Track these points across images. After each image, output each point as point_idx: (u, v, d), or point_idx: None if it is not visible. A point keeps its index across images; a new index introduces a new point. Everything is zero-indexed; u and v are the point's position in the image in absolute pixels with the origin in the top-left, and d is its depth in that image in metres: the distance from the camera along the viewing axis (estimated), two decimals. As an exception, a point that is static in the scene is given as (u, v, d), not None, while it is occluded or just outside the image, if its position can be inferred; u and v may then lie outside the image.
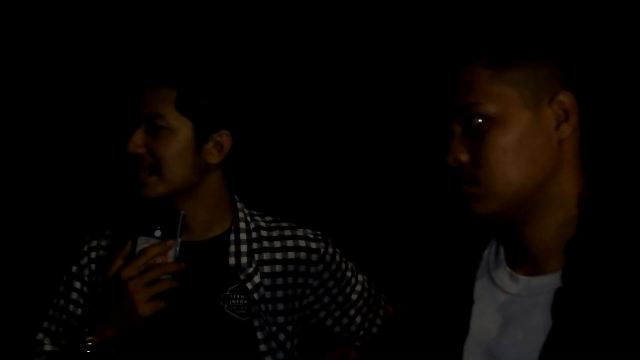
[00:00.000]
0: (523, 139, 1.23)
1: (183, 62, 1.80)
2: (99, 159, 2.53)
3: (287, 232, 1.82)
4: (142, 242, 1.65)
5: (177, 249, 1.65)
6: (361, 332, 1.89)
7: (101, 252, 1.82)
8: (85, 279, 1.81)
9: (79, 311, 1.80)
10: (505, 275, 1.30)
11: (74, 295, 1.81)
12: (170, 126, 1.70)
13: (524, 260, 1.29)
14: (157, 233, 1.66)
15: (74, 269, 1.82)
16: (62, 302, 1.82)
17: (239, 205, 1.84)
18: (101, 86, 2.58)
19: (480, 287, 1.32)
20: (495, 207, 1.25)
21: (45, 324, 1.82)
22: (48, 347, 1.79)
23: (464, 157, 1.26)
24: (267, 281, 1.76)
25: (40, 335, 1.81)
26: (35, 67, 2.65)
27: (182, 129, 1.71)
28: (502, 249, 1.34)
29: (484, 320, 1.29)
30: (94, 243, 1.84)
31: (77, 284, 1.81)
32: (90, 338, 1.61)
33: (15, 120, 2.69)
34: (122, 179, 1.79)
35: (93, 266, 1.81)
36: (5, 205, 2.67)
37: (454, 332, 1.30)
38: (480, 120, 1.24)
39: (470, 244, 1.38)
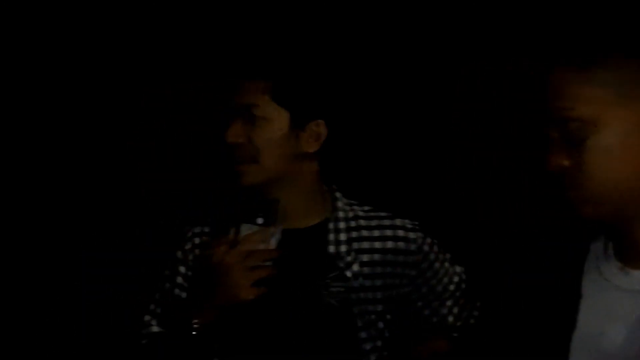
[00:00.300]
0: (624, 139, 1.22)
1: (279, 54, 1.84)
2: (197, 149, 2.57)
3: (386, 222, 1.84)
4: (245, 229, 1.69)
5: (279, 236, 1.69)
6: (458, 323, 1.90)
7: (204, 238, 1.87)
8: (190, 263, 1.86)
9: (184, 294, 1.85)
10: (616, 270, 1.29)
11: (179, 279, 1.87)
12: (267, 116, 1.74)
13: (634, 255, 1.27)
14: (259, 220, 1.70)
15: (179, 254, 1.88)
16: (167, 285, 1.88)
17: (337, 195, 1.86)
18: (199, 79, 2.62)
19: (589, 282, 1.31)
20: (603, 210, 1.24)
21: (152, 306, 1.88)
22: (155, 329, 1.86)
23: (565, 162, 1.25)
24: (366, 270, 1.78)
25: (147, 317, 1.88)
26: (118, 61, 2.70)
27: (278, 119, 1.75)
28: (610, 243, 1.32)
29: (592, 315, 1.28)
30: (198, 229, 1.89)
31: (182, 269, 1.87)
32: (195, 321, 1.67)
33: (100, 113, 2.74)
34: (221, 167, 1.83)
35: (197, 251, 1.86)
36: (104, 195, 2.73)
37: (560, 327, 1.29)
38: (577, 124, 1.22)
39: (577, 237, 1.36)
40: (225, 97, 1.80)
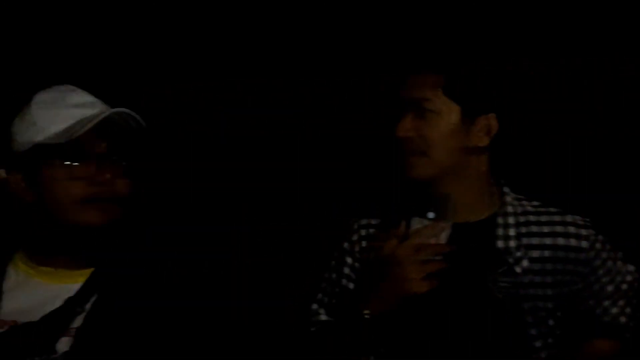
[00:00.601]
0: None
1: (449, 48, 1.84)
2: (366, 143, 2.58)
3: (556, 218, 1.81)
4: (416, 223, 1.70)
5: (450, 230, 1.69)
6: (631, 324, 1.84)
7: (371, 230, 1.90)
8: (356, 255, 1.89)
9: (351, 285, 1.89)
10: None
11: (346, 270, 1.90)
12: (438, 110, 1.75)
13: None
14: (430, 215, 1.70)
15: (346, 245, 1.92)
16: (334, 275, 1.92)
17: (506, 189, 1.85)
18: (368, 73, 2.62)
19: None
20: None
21: (319, 296, 1.93)
22: (323, 317, 1.91)
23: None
24: (536, 266, 1.76)
25: (315, 306, 1.93)
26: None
27: (449, 113, 1.75)
28: None
29: None
30: (364, 221, 1.92)
31: (349, 260, 1.90)
32: (366, 311, 1.69)
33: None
34: (391, 161, 1.85)
35: (363, 243, 1.89)
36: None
37: None
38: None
39: None
40: (396, 92, 1.82)
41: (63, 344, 1.51)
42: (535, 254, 1.77)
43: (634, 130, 2.44)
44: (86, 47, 2.69)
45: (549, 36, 2.39)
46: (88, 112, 1.58)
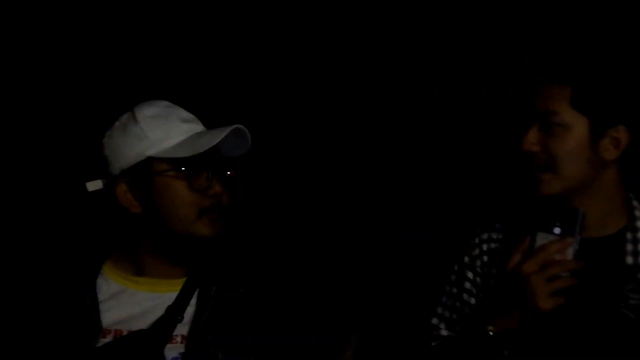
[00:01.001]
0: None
1: (576, 59, 1.80)
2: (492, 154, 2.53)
3: None
4: (541, 238, 1.67)
5: (576, 246, 1.65)
6: None
7: (492, 244, 1.87)
8: (478, 269, 1.87)
9: (472, 300, 1.87)
10: None
11: (467, 285, 1.88)
12: (565, 123, 1.71)
13: None
14: (556, 230, 1.67)
15: (466, 259, 1.90)
16: (454, 290, 1.91)
17: (635, 203, 1.79)
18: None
19: None
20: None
21: (440, 310, 1.92)
22: (444, 332, 1.89)
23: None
24: None
25: (435, 320, 1.91)
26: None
27: (577, 126, 1.71)
28: None
29: None
30: (485, 236, 1.89)
31: (470, 274, 1.88)
32: (490, 327, 1.67)
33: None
34: (517, 175, 1.82)
35: (485, 258, 1.87)
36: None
37: None
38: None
39: None
40: (524, 104, 1.79)
41: (168, 351, 1.58)
42: None
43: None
44: (86, 47, 2.71)
45: (549, 37, 2.30)
46: (196, 127, 1.65)
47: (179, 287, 1.64)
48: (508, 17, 2.40)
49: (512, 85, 2.27)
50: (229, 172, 1.64)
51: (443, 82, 2.58)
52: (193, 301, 1.63)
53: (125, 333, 1.59)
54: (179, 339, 1.59)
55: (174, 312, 1.60)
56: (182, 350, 1.57)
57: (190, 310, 1.62)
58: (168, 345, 1.57)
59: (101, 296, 1.63)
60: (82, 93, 2.73)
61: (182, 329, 1.59)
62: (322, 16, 2.63)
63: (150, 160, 1.61)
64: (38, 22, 2.70)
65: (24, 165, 2.72)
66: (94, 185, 1.67)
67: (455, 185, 2.57)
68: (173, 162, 1.60)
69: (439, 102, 2.59)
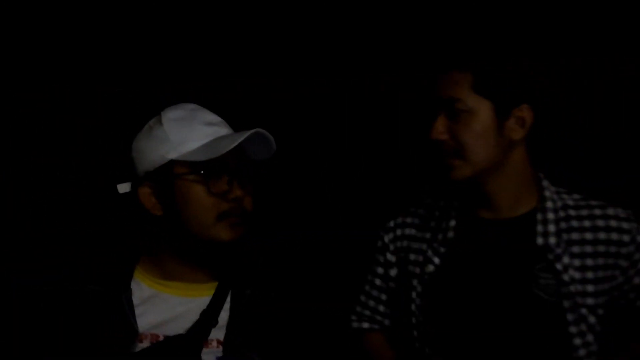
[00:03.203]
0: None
1: (473, 44, 1.80)
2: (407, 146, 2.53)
3: (597, 212, 1.76)
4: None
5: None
6: None
7: (407, 230, 1.88)
8: (390, 255, 1.89)
9: (387, 284, 1.89)
10: None
11: (380, 270, 1.91)
12: (470, 109, 1.71)
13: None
14: None
15: (379, 244, 1.91)
16: (369, 277, 1.93)
17: (545, 183, 1.81)
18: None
19: None
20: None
21: (362, 298, 1.95)
22: (365, 325, 1.93)
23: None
24: (576, 262, 1.72)
25: (358, 308, 1.94)
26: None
27: (482, 110, 1.71)
28: None
29: None
30: (400, 220, 1.90)
31: (381, 258, 1.90)
32: None
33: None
34: (428, 163, 1.82)
35: (398, 243, 1.88)
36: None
37: None
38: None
39: None
40: (425, 93, 1.79)
41: (204, 356, 1.58)
42: (576, 249, 1.73)
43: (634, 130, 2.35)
44: (86, 47, 2.67)
45: (549, 36, 2.32)
46: (220, 130, 1.63)
47: (210, 292, 1.64)
48: (507, 16, 2.39)
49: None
50: (246, 176, 1.62)
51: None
52: (226, 305, 1.63)
53: (161, 338, 1.58)
54: (214, 343, 1.58)
55: (208, 317, 1.60)
56: (219, 354, 1.57)
57: (224, 315, 1.62)
58: (204, 350, 1.57)
59: (135, 300, 1.62)
60: (81, 93, 2.70)
61: (217, 334, 1.59)
62: (322, 16, 2.62)
63: (172, 164, 1.59)
64: (38, 22, 2.67)
65: (44, 167, 2.66)
66: (123, 188, 1.65)
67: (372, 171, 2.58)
68: (192, 166, 1.58)
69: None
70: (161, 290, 1.64)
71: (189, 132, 1.61)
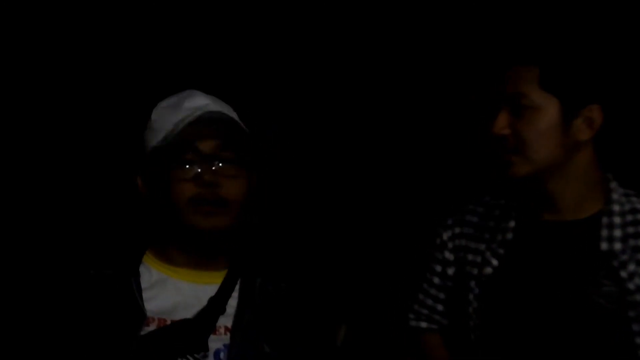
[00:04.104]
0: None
1: (543, 39, 1.72)
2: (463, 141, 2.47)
3: None
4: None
5: None
6: None
7: (465, 228, 1.82)
8: (449, 253, 1.83)
9: (445, 283, 1.84)
10: None
11: (438, 268, 1.85)
12: (535, 105, 1.63)
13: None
14: None
15: (438, 241, 1.86)
16: (427, 275, 1.87)
17: (612, 185, 1.71)
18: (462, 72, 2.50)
19: None
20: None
21: (421, 296, 1.89)
22: (423, 324, 1.88)
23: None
24: None
25: (416, 306, 1.89)
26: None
27: (547, 107, 1.63)
28: None
29: None
30: (459, 217, 1.84)
31: (439, 256, 1.85)
32: None
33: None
34: (486, 159, 1.76)
35: (457, 241, 1.82)
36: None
37: None
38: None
39: None
40: (490, 88, 1.72)
41: (212, 342, 1.56)
42: None
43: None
44: (85, 48, 2.68)
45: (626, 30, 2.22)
46: (196, 113, 1.58)
47: (220, 279, 1.63)
48: (578, 6, 2.32)
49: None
50: (221, 160, 1.57)
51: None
52: (235, 294, 1.62)
53: (168, 322, 1.58)
54: (222, 330, 1.58)
55: (216, 304, 1.59)
56: (226, 342, 1.57)
57: (232, 303, 1.61)
58: (212, 336, 1.57)
59: (144, 284, 1.61)
60: (81, 94, 2.71)
61: (225, 321, 1.59)
62: (323, 16, 2.60)
63: (154, 152, 1.60)
64: (38, 22, 2.69)
65: (58, 155, 2.72)
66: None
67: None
68: (166, 152, 1.57)
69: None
70: (170, 276, 1.62)
71: (168, 119, 1.59)
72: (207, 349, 1.55)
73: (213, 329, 1.57)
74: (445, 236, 1.85)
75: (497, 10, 2.33)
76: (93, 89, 2.65)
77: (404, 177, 2.58)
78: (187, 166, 1.56)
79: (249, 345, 1.56)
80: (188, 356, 1.54)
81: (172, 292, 1.60)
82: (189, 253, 1.62)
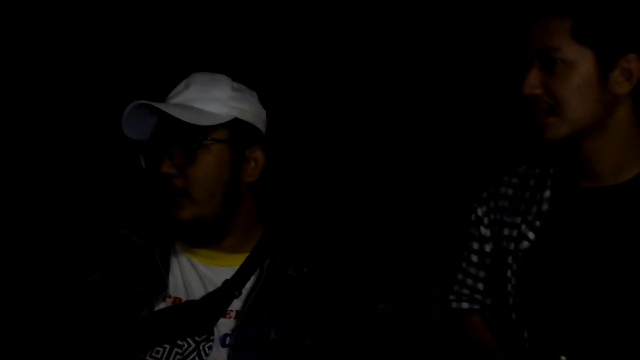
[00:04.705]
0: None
1: None
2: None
3: None
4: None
5: None
6: None
7: (501, 202, 1.71)
8: (484, 229, 1.73)
9: (483, 260, 1.75)
10: None
11: (475, 245, 1.75)
12: (569, 59, 1.51)
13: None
14: None
15: (473, 217, 1.76)
16: (465, 253, 1.79)
17: None
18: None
19: None
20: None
21: (460, 276, 1.80)
22: (465, 305, 1.79)
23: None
24: None
25: (456, 287, 1.81)
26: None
27: (582, 61, 1.51)
28: None
29: None
30: (493, 190, 1.74)
31: (476, 233, 1.75)
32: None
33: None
34: (522, 120, 1.65)
35: (492, 216, 1.72)
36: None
37: None
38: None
39: None
40: (517, 43, 1.61)
41: (221, 326, 1.56)
42: None
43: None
44: (85, 49, 2.71)
45: None
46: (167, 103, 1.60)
47: (238, 262, 1.62)
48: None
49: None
50: (169, 150, 1.56)
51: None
52: (253, 278, 1.61)
53: (183, 301, 1.58)
54: (233, 314, 1.57)
55: (231, 287, 1.58)
56: (234, 326, 1.56)
57: (249, 287, 1.60)
58: (222, 320, 1.56)
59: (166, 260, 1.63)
60: (80, 95, 2.75)
61: (238, 305, 1.58)
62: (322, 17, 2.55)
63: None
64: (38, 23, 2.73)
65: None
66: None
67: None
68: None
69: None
70: (190, 256, 1.62)
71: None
72: (212, 332, 1.54)
73: (223, 313, 1.56)
74: (480, 211, 1.75)
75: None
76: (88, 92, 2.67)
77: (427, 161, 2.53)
78: (149, 162, 1.58)
79: (253, 331, 1.54)
80: (190, 338, 1.53)
81: (190, 271, 1.61)
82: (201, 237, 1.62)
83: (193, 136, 1.55)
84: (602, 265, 1.54)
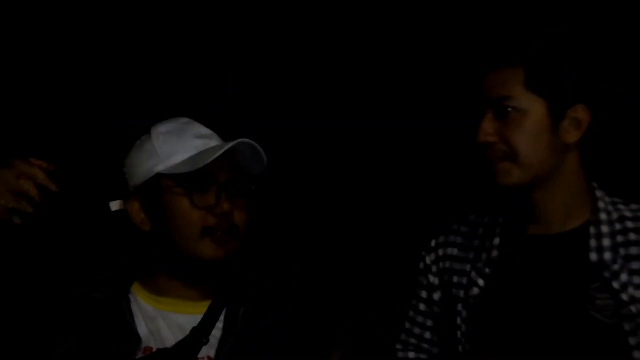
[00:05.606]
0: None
1: (525, 38, 1.65)
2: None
3: None
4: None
5: None
6: None
7: (449, 250, 1.74)
8: (433, 277, 1.75)
9: (430, 308, 1.75)
10: None
11: (423, 294, 1.77)
12: (521, 107, 1.56)
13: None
14: None
15: (421, 265, 1.77)
16: (413, 302, 1.79)
17: (599, 193, 1.63)
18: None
19: None
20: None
21: (407, 325, 1.81)
22: (411, 354, 1.80)
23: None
24: (636, 279, 1.54)
25: (403, 336, 1.81)
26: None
27: (534, 109, 1.56)
28: None
29: None
30: (442, 239, 1.76)
31: (424, 281, 1.76)
32: None
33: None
34: (477, 167, 1.68)
35: (441, 264, 1.74)
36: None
37: None
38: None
39: None
40: (472, 92, 1.65)
41: None
42: (636, 265, 1.54)
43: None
44: (85, 50, 2.66)
45: (610, 30, 2.17)
46: (209, 142, 1.60)
47: (203, 309, 1.61)
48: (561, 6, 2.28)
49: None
50: (235, 190, 1.57)
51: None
52: (220, 324, 1.59)
53: (154, 350, 1.55)
54: None
55: (199, 333, 1.57)
56: None
57: (216, 333, 1.58)
58: None
59: (133, 311, 1.60)
60: (80, 97, 2.68)
61: (208, 351, 1.56)
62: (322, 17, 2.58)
63: (159, 177, 1.58)
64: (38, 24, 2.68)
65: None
66: (115, 205, 1.64)
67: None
68: (178, 178, 1.56)
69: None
70: (155, 306, 1.60)
71: (177, 145, 1.59)
72: None
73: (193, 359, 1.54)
74: (428, 260, 1.77)
75: (479, 11, 2.28)
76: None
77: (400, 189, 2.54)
78: (203, 194, 1.55)
79: None
80: None
81: (157, 321, 1.58)
82: (183, 282, 1.59)
83: None
84: (548, 312, 1.57)
